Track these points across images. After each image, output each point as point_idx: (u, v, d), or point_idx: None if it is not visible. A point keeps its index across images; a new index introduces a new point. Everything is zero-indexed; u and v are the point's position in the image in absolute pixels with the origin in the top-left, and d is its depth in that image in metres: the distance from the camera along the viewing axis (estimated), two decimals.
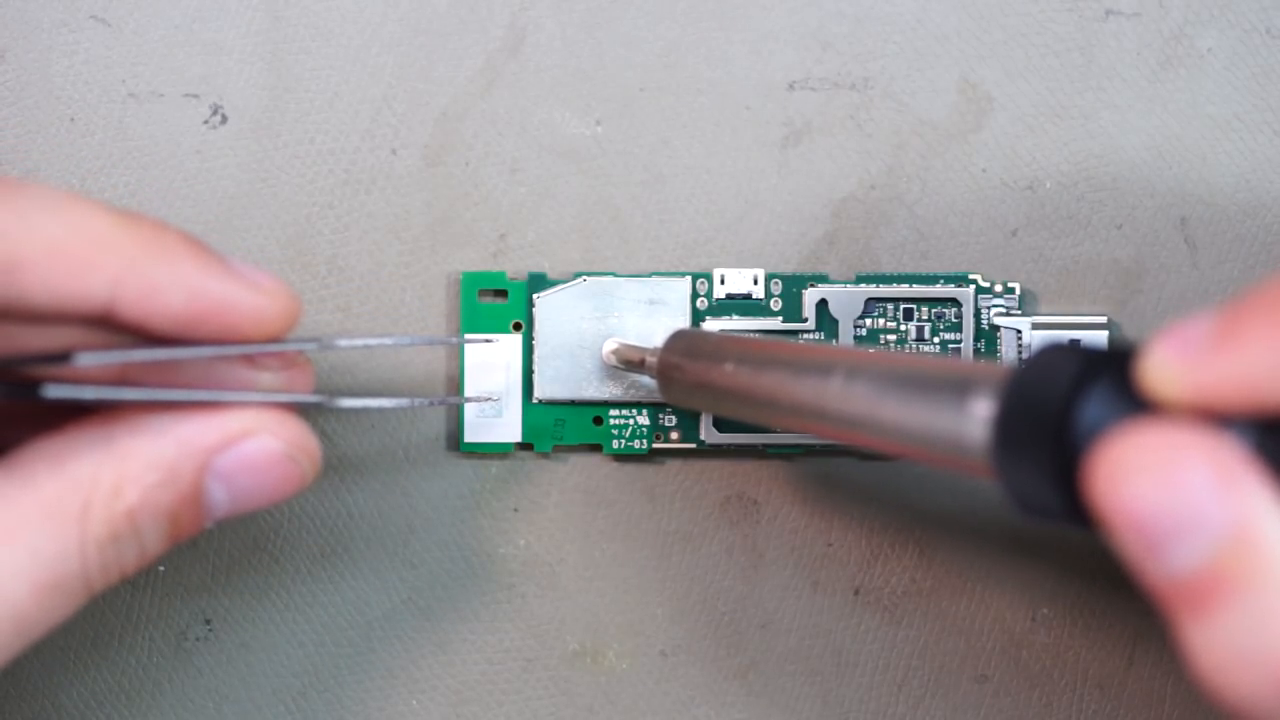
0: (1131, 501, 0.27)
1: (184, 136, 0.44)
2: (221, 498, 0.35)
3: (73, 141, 0.44)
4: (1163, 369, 0.27)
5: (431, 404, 0.44)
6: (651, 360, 0.42)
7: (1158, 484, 0.26)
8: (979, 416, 0.30)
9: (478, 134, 0.44)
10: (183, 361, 0.35)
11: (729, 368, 0.39)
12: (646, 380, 0.44)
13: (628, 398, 0.44)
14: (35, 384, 0.33)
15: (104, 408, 0.35)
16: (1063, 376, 0.28)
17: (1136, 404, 0.27)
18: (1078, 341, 0.43)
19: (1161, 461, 0.27)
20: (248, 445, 0.34)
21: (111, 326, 0.34)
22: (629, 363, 0.43)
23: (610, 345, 0.44)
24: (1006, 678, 0.45)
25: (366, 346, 0.42)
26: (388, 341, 0.38)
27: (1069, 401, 0.27)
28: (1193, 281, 0.44)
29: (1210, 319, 0.27)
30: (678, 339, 0.42)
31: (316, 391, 0.36)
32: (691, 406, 0.43)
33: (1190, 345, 0.27)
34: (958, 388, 0.30)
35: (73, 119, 0.44)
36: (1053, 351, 0.29)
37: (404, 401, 0.39)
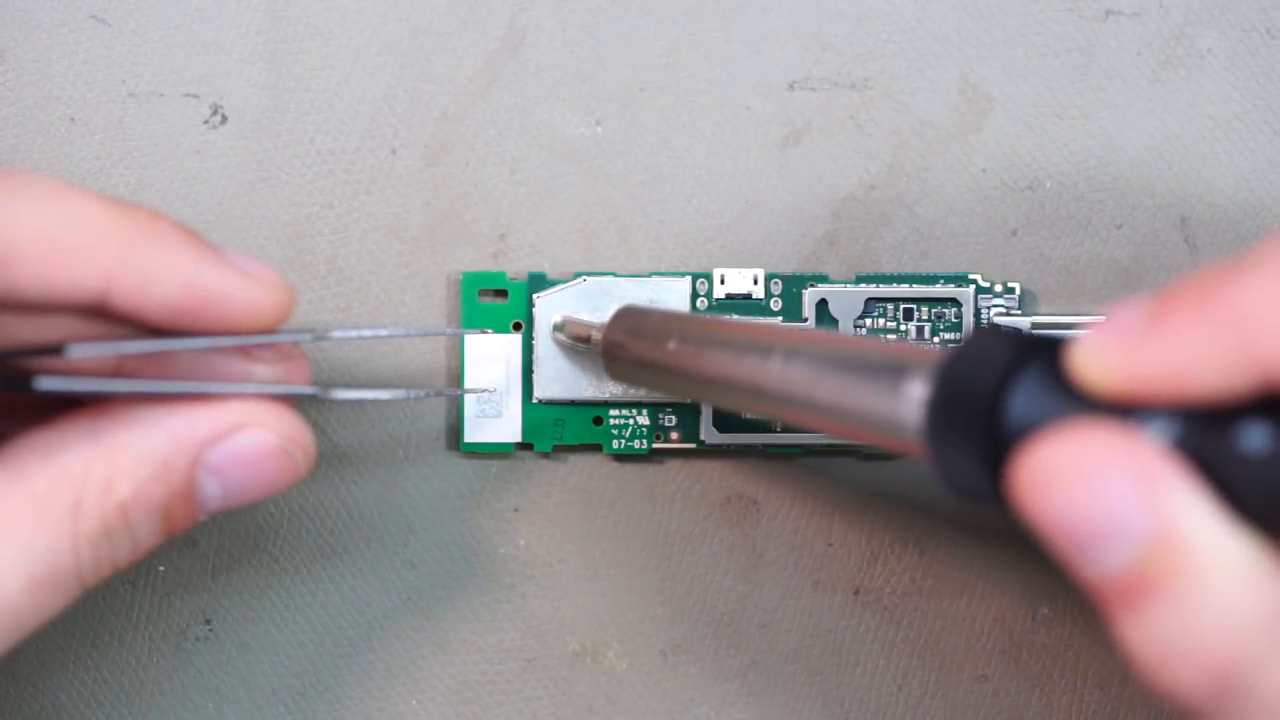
0: (1055, 508, 0.27)
1: (184, 136, 0.44)
2: (214, 491, 0.35)
3: (73, 141, 0.44)
4: (1091, 357, 0.27)
5: (427, 395, 0.44)
6: (597, 336, 0.42)
7: (1079, 490, 0.27)
8: (913, 398, 0.30)
9: (478, 134, 0.44)
10: (177, 353, 0.35)
11: (671, 346, 0.39)
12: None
13: (628, 398, 0.44)
14: (28, 376, 0.33)
15: (97, 400, 0.35)
16: (993, 363, 0.28)
17: (1066, 394, 0.27)
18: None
19: (1082, 467, 0.27)
20: (240, 438, 0.34)
21: (105, 317, 0.34)
22: (576, 338, 0.43)
23: (557, 318, 0.44)
24: (1006, 678, 0.45)
25: (361, 338, 0.42)
26: (382, 333, 0.38)
27: (998, 390, 0.28)
28: None
29: (1139, 307, 0.27)
30: (623, 316, 0.42)
31: (313, 384, 0.36)
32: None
33: (1119, 334, 0.27)
34: (893, 370, 0.31)
35: (73, 119, 0.44)
36: (985, 336, 0.29)
37: (400, 393, 0.39)
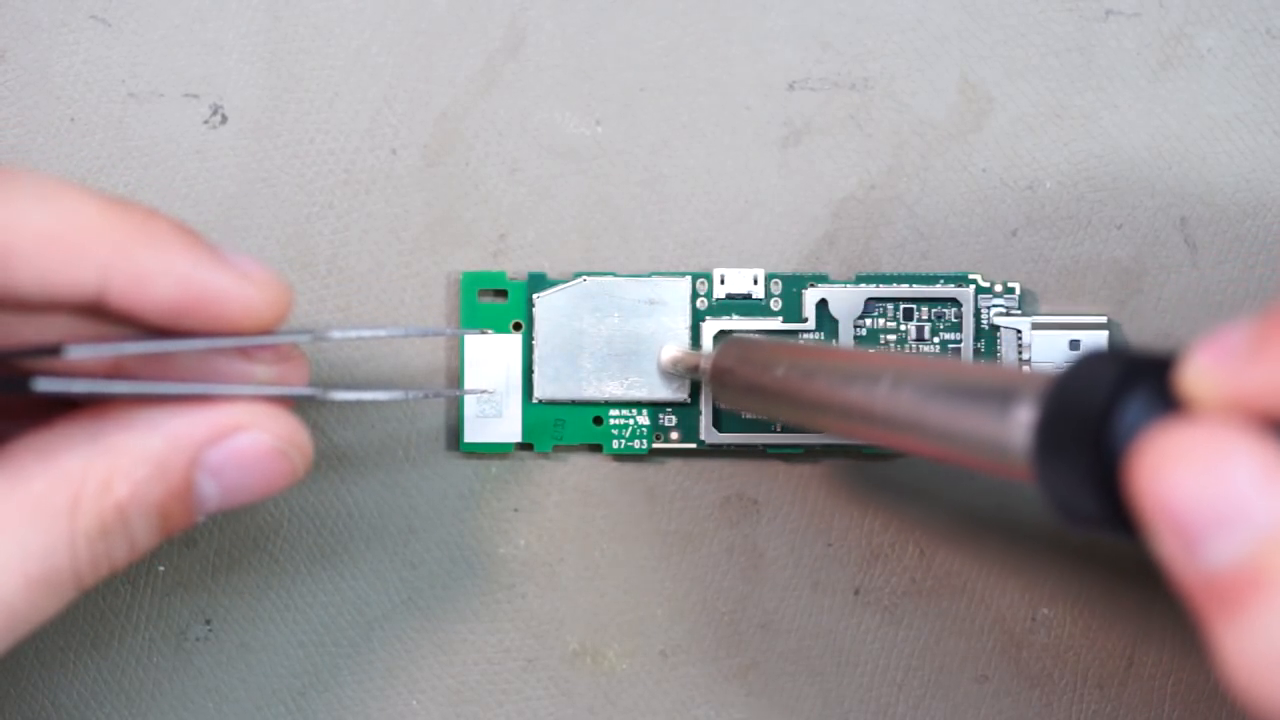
0: (1172, 492, 0.26)
1: (184, 136, 0.44)
2: (212, 492, 0.34)
3: (73, 141, 0.44)
4: (1202, 375, 0.27)
5: (426, 396, 0.44)
6: (706, 365, 0.43)
7: (1200, 474, 0.26)
8: (1021, 422, 0.30)
9: (478, 134, 0.44)
10: (174, 354, 0.35)
11: (780, 373, 0.39)
12: (649, 382, 0.44)
13: (627, 397, 0.44)
14: (25, 377, 0.33)
15: (95, 401, 0.35)
16: (1103, 383, 0.28)
17: (1175, 410, 0.27)
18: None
19: (1205, 453, 0.26)
20: (238, 439, 0.34)
21: (102, 316, 0.34)
22: (685, 367, 0.44)
23: (668, 352, 0.44)
24: (1006, 678, 0.45)
25: (360, 338, 0.42)
26: (382, 333, 0.38)
27: (1109, 407, 0.28)
28: (1193, 281, 0.44)
29: (1248, 326, 0.27)
30: (732, 345, 0.42)
31: (311, 385, 0.36)
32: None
33: (1228, 352, 0.27)
34: (1001, 394, 0.31)
35: (73, 119, 0.44)
36: (1094, 358, 0.29)
37: (398, 394, 0.39)
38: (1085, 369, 0.29)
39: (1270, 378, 0.27)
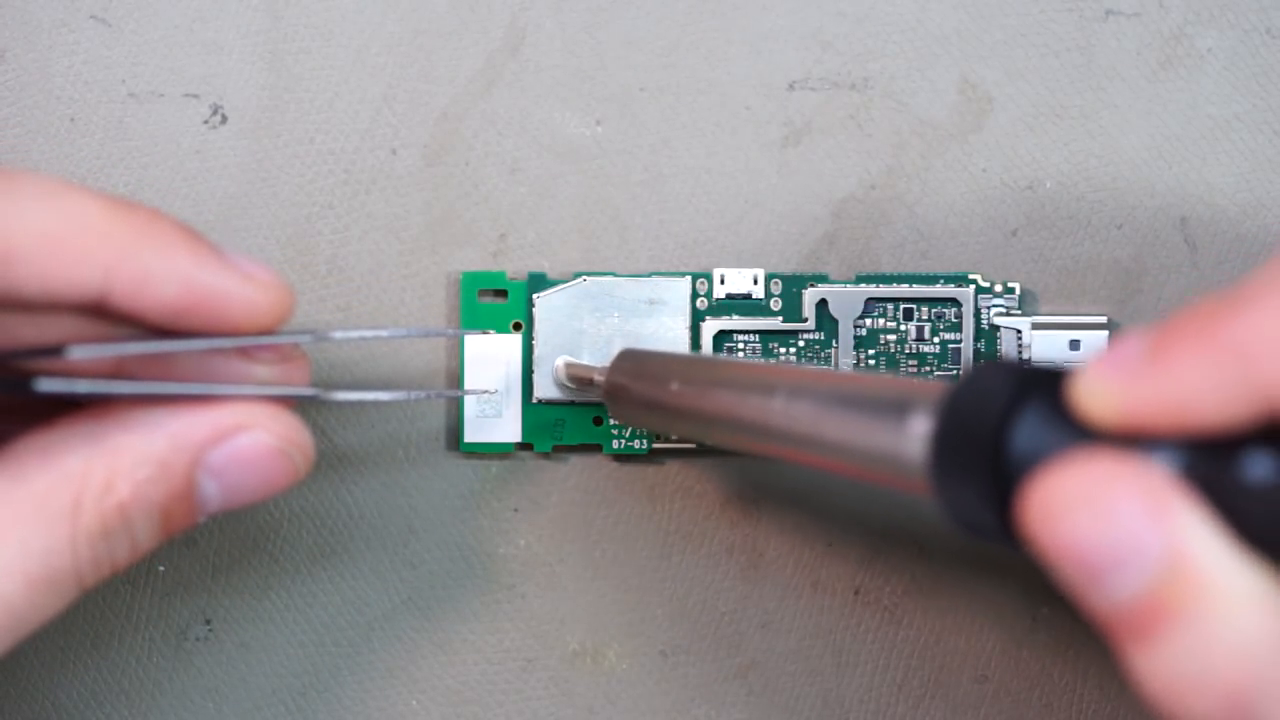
0: (1065, 538, 0.27)
1: (184, 136, 0.44)
2: (213, 492, 0.34)
3: (73, 141, 0.44)
4: (1094, 391, 0.27)
5: (428, 397, 0.44)
6: (600, 379, 0.42)
7: (1089, 519, 0.27)
8: (916, 434, 0.30)
9: (478, 134, 0.44)
10: (177, 354, 0.35)
11: (674, 387, 0.39)
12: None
13: None
14: (27, 378, 0.33)
15: (96, 401, 0.35)
16: (995, 398, 0.28)
17: (1070, 427, 0.27)
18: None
19: (1093, 495, 0.27)
20: (240, 440, 0.34)
21: (105, 317, 0.34)
22: (579, 381, 0.43)
23: (560, 362, 0.44)
24: (1006, 678, 0.45)
25: (362, 339, 0.42)
26: (383, 333, 0.38)
27: (1001, 424, 0.28)
28: (1193, 281, 0.44)
29: (1140, 340, 0.27)
30: (624, 359, 0.42)
31: (312, 385, 0.36)
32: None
33: (1121, 367, 0.27)
34: (896, 406, 0.31)
35: (73, 119, 0.44)
36: (987, 370, 0.29)
37: (400, 394, 0.39)
38: (978, 381, 0.29)
39: (1163, 391, 0.27)
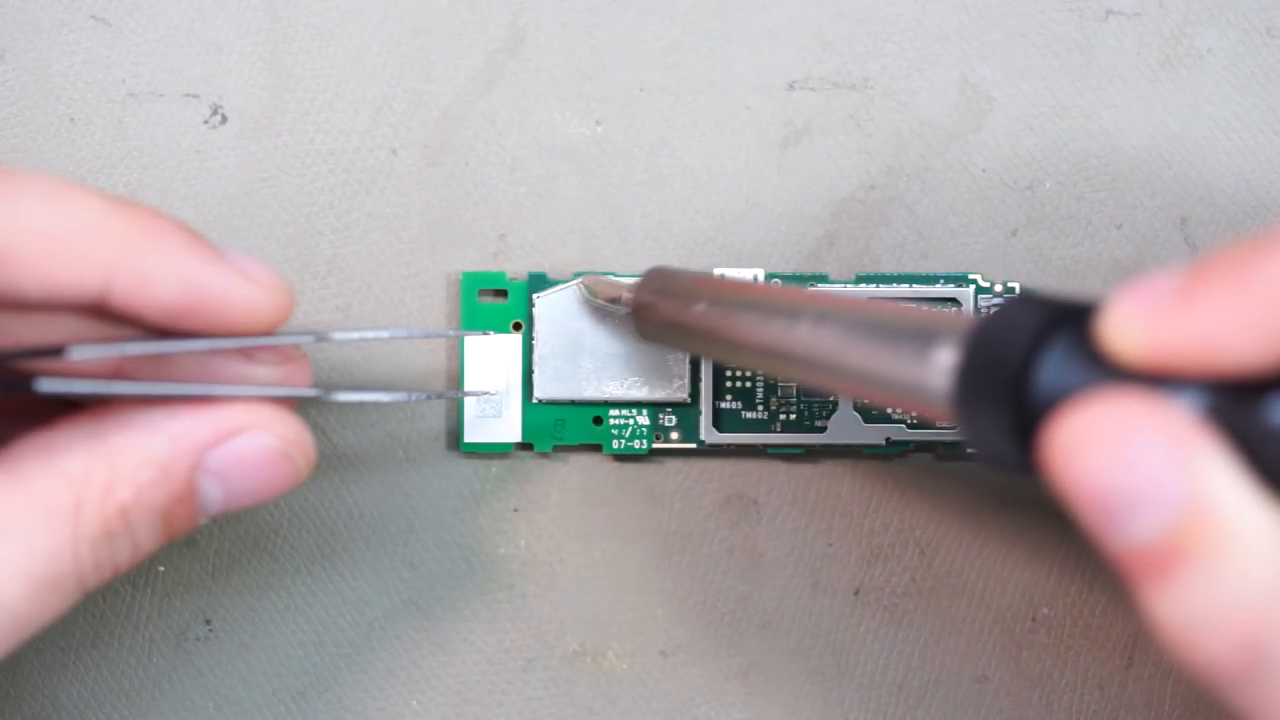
0: (1086, 475, 0.27)
1: (184, 136, 0.44)
2: (215, 494, 0.34)
3: (73, 141, 0.44)
4: (1122, 326, 0.27)
5: (429, 398, 0.44)
6: (628, 296, 0.42)
7: (1111, 457, 0.27)
8: (942, 365, 0.30)
9: (478, 134, 0.44)
10: (177, 355, 0.35)
11: (700, 308, 0.39)
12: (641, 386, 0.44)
13: (627, 397, 0.44)
14: (28, 378, 0.33)
15: (97, 402, 0.35)
16: (1023, 331, 0.28)
17: (1096, 362, 0.27)
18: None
19: (1114, 433, 0.27)
20: (241, 441, 0.34)
21: (105, 317, 0.34)
22: (607, 298, 0.43)
23: (587, 279, 0.44)
24: (1006, 678, 0.45)
25: (363, 340, 0.42)
26: (384, 334, 0.38)
27: (1028, 357, 0.28)
28: None
29: (1172, 276, 0.27)
30: (653, 277, 0.42)
31: (313, 386, 0.36)
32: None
33: (1151, 302, 0.27)
34: (922, 336, 0.31)
35: (73, 119, 0.44)
36: (1016, 303, 0.29)
37: (401, 395, 0.39)
38: (1007, 314, 0.29)
39: (1194, 329, 0.26)
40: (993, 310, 0.29)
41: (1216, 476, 0.26)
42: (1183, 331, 0.27)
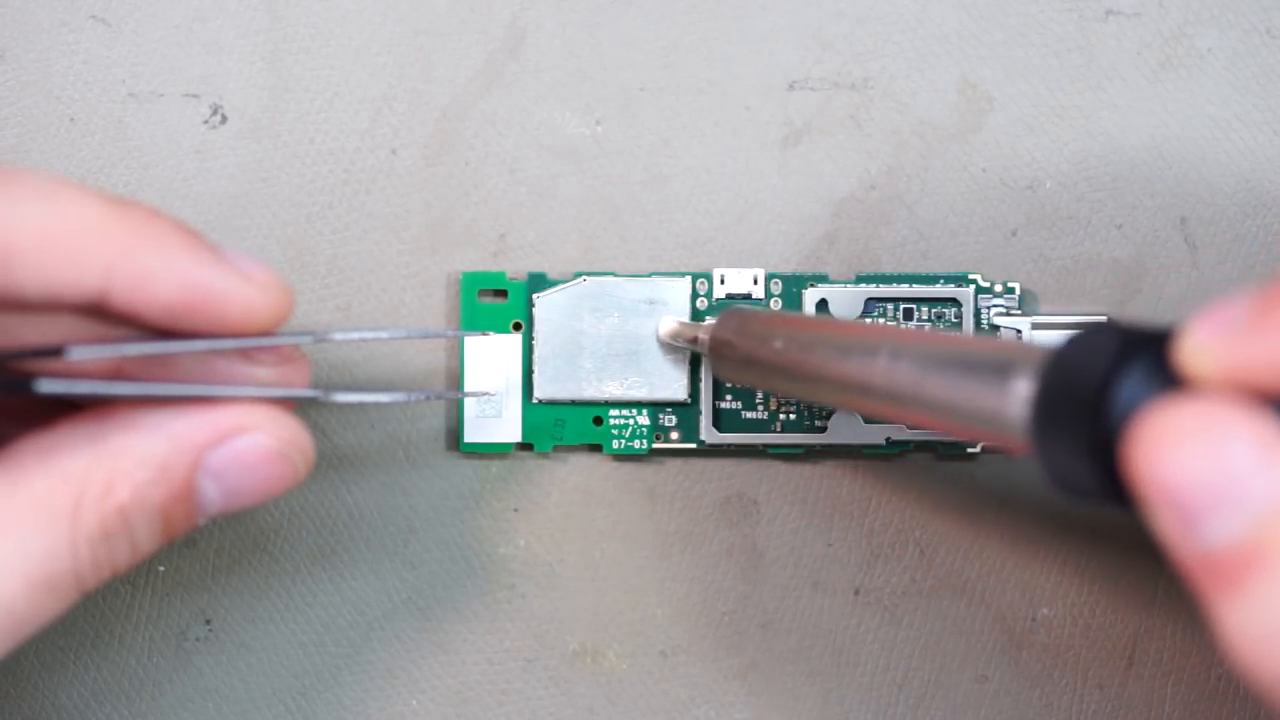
0: (1170, 471, 0.27)
1: (184, 136, 0.44)
2: (213, 495, 0.34)
3: (73, 141, 0.44)
4: (1200, 349, 0.27)
5: (428, 398, 0.44)
6: (704, 337, 0.42)
7: (1198, 453, 0.26)
8: (1019, 395, 0.30)
9: (478, 134, 0.44)
10: (177, 356, 0.35)
11: (778, 345, 0.39)
12: (648, 383, 0.44)
13: (627, 397, 0.44)
14: (28, 378, 0.33)
15: (97, 403, 0.35)
16: (1101, 356, 0.28)
17: (1173, 384, 0.27)
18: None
19: (1203, 431, 0.26)
20: (240, 442, 0.34)
21: (104, 317, 0.34)
22: (684, 339, 0.43)
23: (667, 324, 0.44)
24: (1006, 678, 0.45)
25: (363, 340, 0.42)
26: (383, 334, 0.38)
27: (1107, 380, 0.28)
28: (1193, 281, 0.44)
29: (1246, 300, 0.27)
30: (730, 316, 0.42)
31: (313, 387, 0.36)
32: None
33: (1226, 326, 0.27)
34: (999, 367, 0.31)
35: (73, 119, 0.44)
36: (1092, 332, 0.29)
37: (400, 396, 0.39)
38: (1084, 343, 0.29)
39: (1270, 351, 0.27)
40: (1069, 340, 0.29)
41: None
42: (1258, 353, 0.27)
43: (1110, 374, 0.28)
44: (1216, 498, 0.26)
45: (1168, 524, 0.27)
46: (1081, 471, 0.28)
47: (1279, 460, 0.26)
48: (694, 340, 0.43)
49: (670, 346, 0.44)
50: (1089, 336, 0.29)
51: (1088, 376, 0.28)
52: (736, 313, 0.42)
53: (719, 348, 0.42)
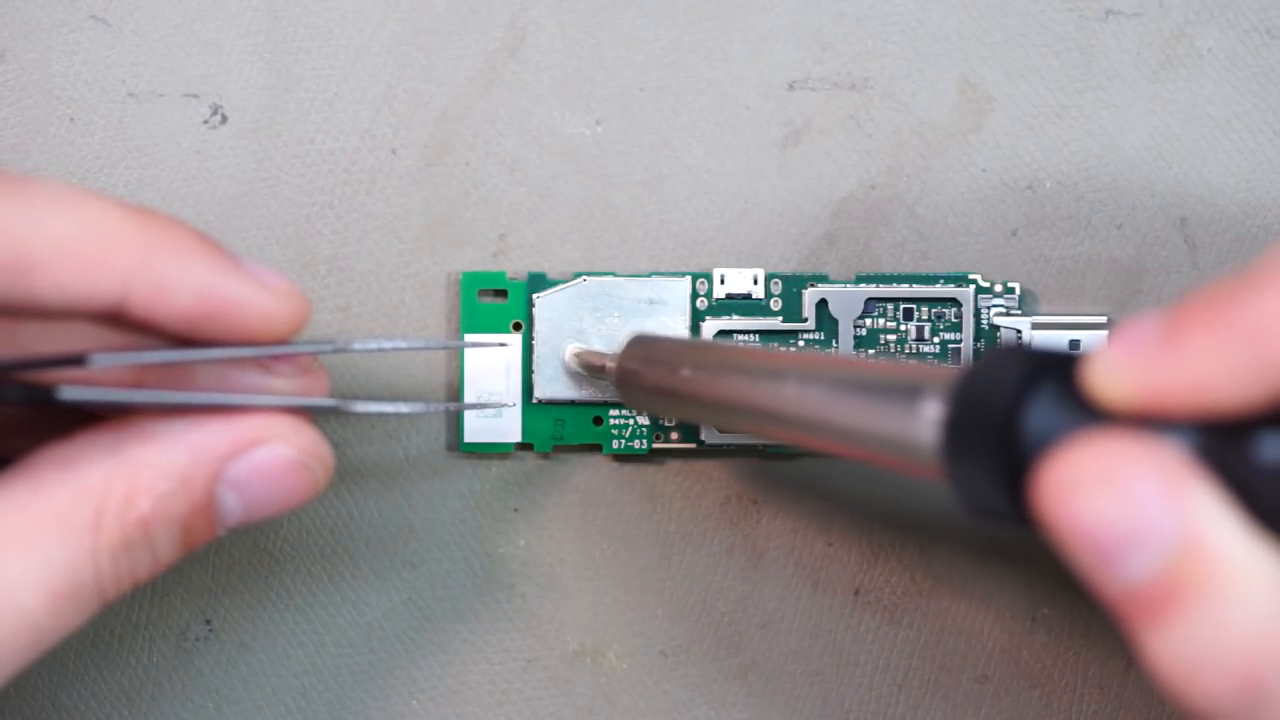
0: (1079, 517, 0.27)
1: (184, 136, 0.44)
2: (234, 505, 0.34)
3: (73, 141, 0.44)
4: (1108, 372, 0.27)
5: (447, 409, 0.44)
6: (611, 365, 0.42)
7: (1104, 498, 0.27)
8: (928, 419, 0.30)
9: (478, 134, 0.44)
10: (195, 367, 0.35)
11: (685, 373, 0.39)
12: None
13: None
14: (50, 388, 0.33)
15: (116, 413, 0.34)
16: (1008, 381, 0.28)
17: (1083, 409, 0.27)
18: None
19: (1107, 474, 0.27)
20: (260, 453, 0.34)
21: (122, 325, 0.34)
22: (590, 368, 0.43)
23: (572, 349, 0.44)
24: (1006, 678, 0.45)
25: (381, 350, 0.42)
26: (402, 345, 0.38)
27: (1014, 407, 0.28)
28: (1193, 281, 0.44)
29: (1154, 322, 0.27)
30: (635, 345, 0.42)
31: (332, 396, 0.36)
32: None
33: (1134, 349, 0.27)
34: (907, 391, 0.31)
35: (73, 119, 0.44)
36: (1000, 354, 0.29)
37: (420, 406, 0.39)
38: (991, 366, 0.29)
39: (1177, 374, 0.27)
40: (976, 363, 0.29)
41: (1210, 515, 0.26)
42: (1168, 374, 0.27)
43: (1017, 401, 0.28)
44: (1128, 539, 0.27)
45: (1083, 562, 0.27)
46: (992, 499, 0.28)
47: (1183, 493, 0.26)
48: (600, 369, 0.43)
49: (576, 374, 0.44)
50: (996, 358, 0.29)
51: (995, 403, 0.28)
52: (641, 341, 0.42)
53: (625, 376, 0.42)
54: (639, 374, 0.41)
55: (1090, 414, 0.27)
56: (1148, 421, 0.27)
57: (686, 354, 0.40)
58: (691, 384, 0.39)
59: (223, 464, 0.34)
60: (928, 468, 0.30)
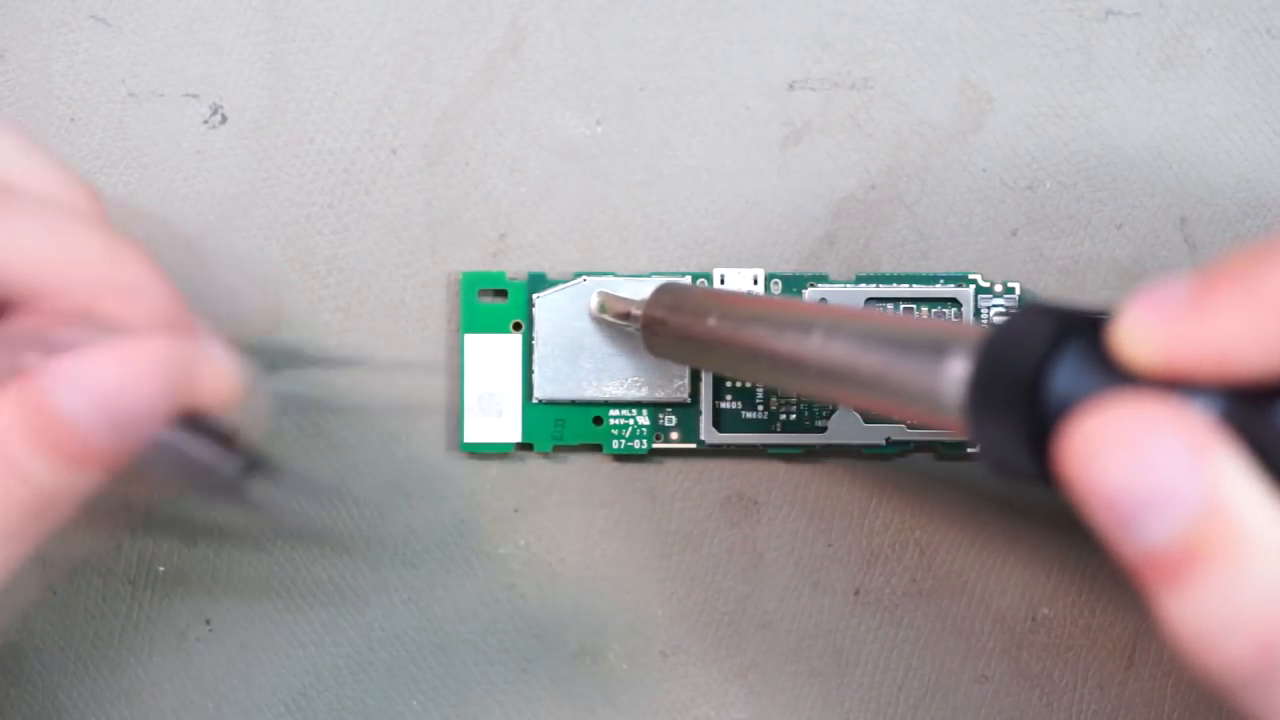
0: (1103, 478, 0.27)
1: (184, 136, 0.44)
2: (78, 401, 0.30)
3: (73, 141, 0.44)
4: (1135, 334, 0.27)
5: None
6: (637, 313, 0.42)
7: (1128, 460, 0.27)
8: (954, 376, 0.30)
9: (478, 134, 0.44)
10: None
11: (712, 322, 0.39)
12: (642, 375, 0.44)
13: (627, 397, 0.44)
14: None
15: None
16: (1036, 339, 0.28)
17: (1109, 370, 0.27)
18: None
19: (1132, 436, 0.27)
20: (96, 348, 0.30)
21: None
22: (617, 314, 0.43)
23: (598, 294, 0.44)
24: (1006, 678, 0.45)
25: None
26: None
27: (1041, 366, 0.28)
28: None
29: (1184, 284, 0.27)
30: (663, 292, 0.42)
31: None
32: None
33: (1164, 310, 0.27)
34: (935, 347, 0.31)
35: (73, 119, 0.44)
36: (1027, 313, 0.29)
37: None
38: (1019, 324, 0.29)
39: (1207, 336, 0.26)
40: (1004, 320, 0.29)
41: (1233, 480, 0.26)
42: (1195, 339, 0.27)
43: (1044, 360, 0.28)
44: (1150, 501, 0.26)
45: (1104, 523, 0.27)
46: (1016, 457, 0.28)
47: (1207, 457, 0.26)
48: (625, 315, 0.42)
49: (602, 321, 0.43)
50: (1025, 317, 0.29)
51: (1022, 361, 0.28)
52: (669, 289, 0.42)
53: (652, 324, 0.41)
54: (665, 321, 0.41)
55: (1116, 375, 0.27)
56: (1173, 385, 0.27)
57: (714, 303, 0.40)
58: (718, 333, 0.39)
59: (36, 351, 0.31)
60: (953, 423, 0.30)
